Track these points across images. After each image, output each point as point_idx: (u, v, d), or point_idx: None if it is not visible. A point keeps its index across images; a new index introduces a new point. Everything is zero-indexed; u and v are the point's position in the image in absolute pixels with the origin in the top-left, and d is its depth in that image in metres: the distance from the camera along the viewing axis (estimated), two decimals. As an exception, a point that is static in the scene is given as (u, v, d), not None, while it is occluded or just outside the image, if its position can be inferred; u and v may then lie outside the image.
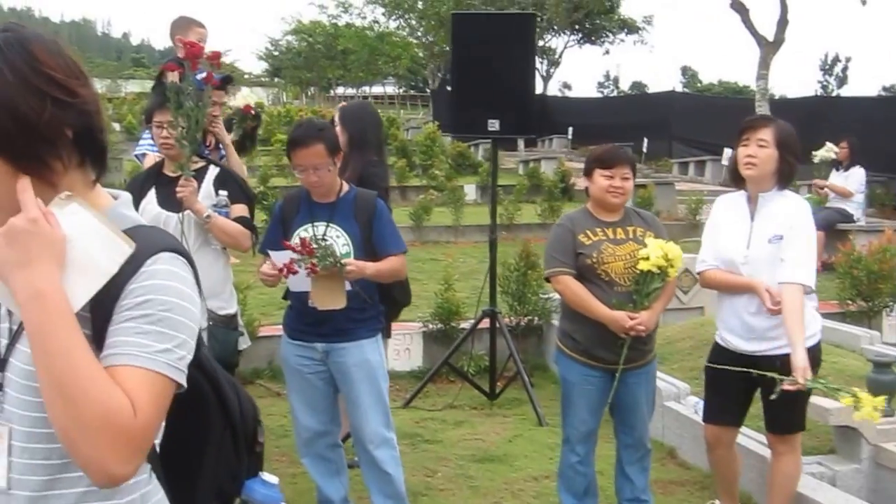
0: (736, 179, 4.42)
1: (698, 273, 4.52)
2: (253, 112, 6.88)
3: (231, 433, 1.86)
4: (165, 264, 1.56)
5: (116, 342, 1.51)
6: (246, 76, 79.80)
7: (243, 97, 7.48)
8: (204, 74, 4.23)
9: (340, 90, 71.35)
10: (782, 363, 4.08)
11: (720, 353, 4.42)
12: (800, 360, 3.97)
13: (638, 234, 4.36)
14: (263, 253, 4.34)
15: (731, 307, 4.36)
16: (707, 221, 4.59)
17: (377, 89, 71.70)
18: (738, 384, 4.28)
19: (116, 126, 24.08)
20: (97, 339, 1.52)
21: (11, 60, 1.49)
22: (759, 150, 4.24)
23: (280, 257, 4.13)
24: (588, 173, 4.41)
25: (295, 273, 4.09)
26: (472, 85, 6.71)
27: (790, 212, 4.26)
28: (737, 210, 4.41)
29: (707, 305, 7.71)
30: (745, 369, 4.13)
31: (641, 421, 4.48)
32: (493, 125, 6.64)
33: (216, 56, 4.18)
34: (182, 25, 5.84)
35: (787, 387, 3.94)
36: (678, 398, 5.81)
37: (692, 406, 5.60)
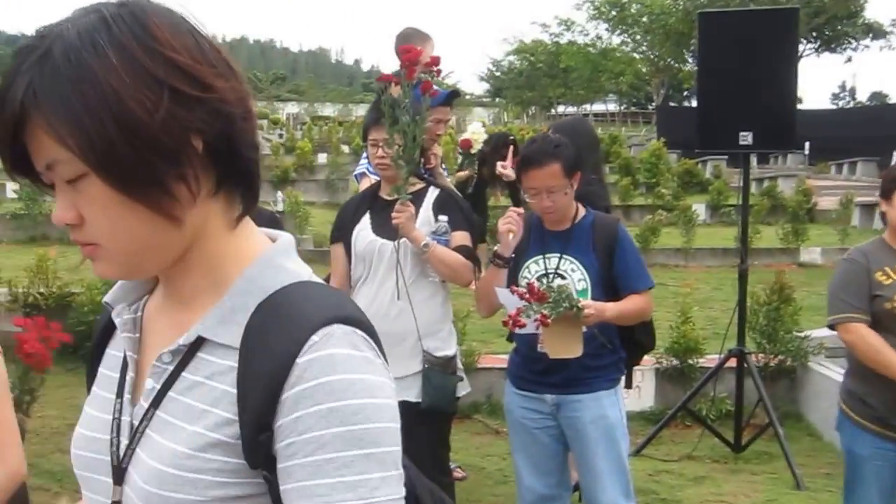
0: None
1: None
2: (472, 150, 6.47)
3: None
4: (340, 346, 1.07)
5: (306, 490, 1.04)
6: (467, 97, 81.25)
7: (472, 133, 7.08)
8: (422, 97, 3.72)
9: (561, 108, 71.16)
10: None
11: None
12: None
13: None
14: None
15: None
16: None
17: (598, 107, 71.12)
18: None
19: (346, 148, 24.62)
20: (254, 460, 1.06)
21: (119, 39, 1.03)
22: None
23: (507, 299, 3.55)
24: (886, 195, 3.60)
25: (522, 326, 3.50)
26: (721, 93, 5.98)
27: None
28: None
29: None
30: None
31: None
32: (746, 138, 5.86)
33: (434, 62, 3.65)
34: (407, 36, 5.41)
35: None
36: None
37: None
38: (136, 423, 1.15)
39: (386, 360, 1.13)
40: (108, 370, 1.25)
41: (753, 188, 20.29)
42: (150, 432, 1.13)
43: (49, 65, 1.02)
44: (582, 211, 3.82)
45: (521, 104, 73.31)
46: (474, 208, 8.36)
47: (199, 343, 1.13)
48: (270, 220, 4.02)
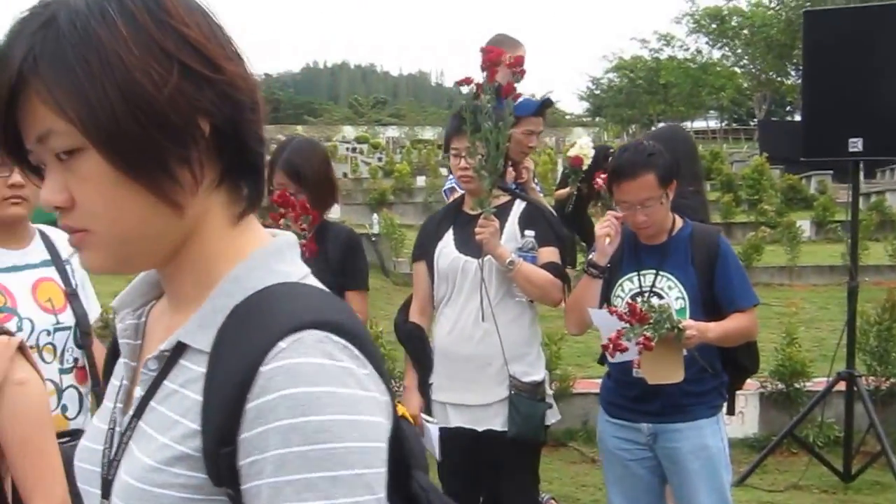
0: None
1: None
2: (584, 167, 6.31)
3: None
4: (309, 354, 0.96)
5: None
6: (567, 117, 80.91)
7: (580, 148, 6.96)
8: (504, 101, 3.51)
9: (662, 126, 70.16)
10: None
11: None
12: None
13: None
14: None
15: None
16: None
17: (699, 124, 70.02)
18: None
19: (444, 171, 24.66)
20: (216, 475, 0.98)
21: (130, 9, 0.98)
22: None
23: (603, 320, 3.31)
24: None
25: (624, 350, 3.25)
26: (829, 97, 5.64)
27: None
28: None
29: None
30: None
31: None
32: (855, 145, 5.51)
33: (518, 62, 3.44)
34: (498, 43, 5.22)
35: None
36: None
37: None
38: (120, 429, 1.10)
39: (381, 372, 1.03)
40: (115, 379, 1.20)
41: (860, 203, 19.60)
42: (132, 444, 1.07)
43: (52, 31, 0.96)
44: (679, 222, 3.56)
45: (621, 122, 72.59)
46: (574, 226, 8.17)
47: (182, 348, 1.06)
48: (349, 236, 3.87)
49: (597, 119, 79.50)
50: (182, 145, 1.00)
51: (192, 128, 1.00)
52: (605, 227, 3.44)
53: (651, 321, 3.19)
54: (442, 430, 3.71)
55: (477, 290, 3.71)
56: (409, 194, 21.52)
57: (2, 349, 1.97)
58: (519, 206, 3.84)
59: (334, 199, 3.85)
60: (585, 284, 3.54)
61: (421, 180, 23.30)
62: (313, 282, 1.10)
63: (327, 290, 1.09)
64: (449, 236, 3.86)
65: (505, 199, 3.84)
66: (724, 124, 68.63)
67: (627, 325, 3.23)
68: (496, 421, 3.69)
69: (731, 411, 3.88)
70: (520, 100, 4.22)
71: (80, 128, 0.96)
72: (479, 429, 3.72)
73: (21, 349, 2.02)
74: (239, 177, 1.08)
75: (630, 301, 3.34)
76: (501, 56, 3.35)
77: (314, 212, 3.39)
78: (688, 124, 66.42)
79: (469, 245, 3.73)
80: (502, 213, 3.77)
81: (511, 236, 3.75)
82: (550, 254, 3.75)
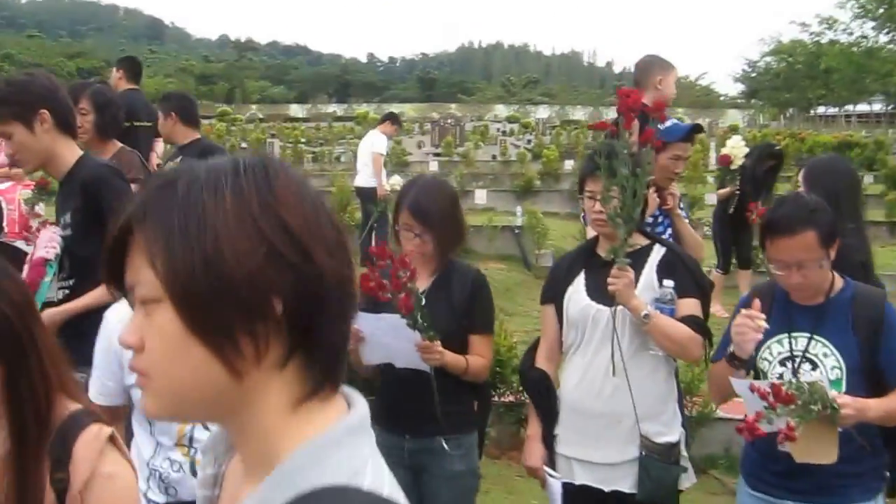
0: None
1: None
2: (732, 167, 5.96)
3: None
4: None
5: None
6: (721, 98, 79.29)
7: (731, 147, 6.61)
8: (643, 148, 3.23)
9: (822, 109, 67.59)
10: None
11: None
12: None
13: None
14: (714, 361, 3.30)
15: None
16: None
17: (862, 107, 67.06)
18: None
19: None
20: None
21: (241, 185, 1.07)
22: None
23: (746, 393, 2.95)
24: None
25: (761, 436, 2.88)
26: None
27: None
28: None
29: None
30: None
31: None
32: None
33: (659, 107, 3.14)
34: (648, 64, 4.96)
35: None
36: None
37: None
38: None
39: None
40: None
41: None
42: None
43: (168, 191, 1.06)
44: (839, 282, 3.16)
45: (778, 105, 70.22)
46: (737, 228, 7.79)
47: None
48: (476, 277, 3.64)
49: (752, 101, 77.48)
50: (250, 319, 1.04)
51: (264, 305, 1.04)
52: (741, 332, 3.04)
53: (798, 403, 2.80)
54: (566, 485, 3.49)
55: (608, 341, 3.43)
56: (555, 180, 21.32)
57: (91, 441, 1.94)
58: (658, 252, 3.52)
59: (461, 239, 3.66)
60: (726, 367, 3.18)
61: (569, 164, 22.90)
62: (370, 474, 1.07)
63: (374, 491, 1.05)
64: (580, 281, 3.58)
65: (643, 243, 3.53)
66: (890, 108, 65.51)
67: (769, 407, 2.84)
68: (625, 482, 3.42)
69: (892, 493, 3.45)
70: (668, 123, 3.97)
71: (161, 279, 1.03)
72: (606, 489, 3.46)
73: (112, 439, 1.99)
74: (311, 358, 1.09)
75: (776, 382, 2.93)
76: (639, 103, 3.04)
77: (413, 268, 3.20)
78: (850, 108, 63.93)
79: (601, 292, 3.44)
80: (639, 258, 3.46)
81: (648, 285, 3.43)
82: (691, 306, 3.42)
